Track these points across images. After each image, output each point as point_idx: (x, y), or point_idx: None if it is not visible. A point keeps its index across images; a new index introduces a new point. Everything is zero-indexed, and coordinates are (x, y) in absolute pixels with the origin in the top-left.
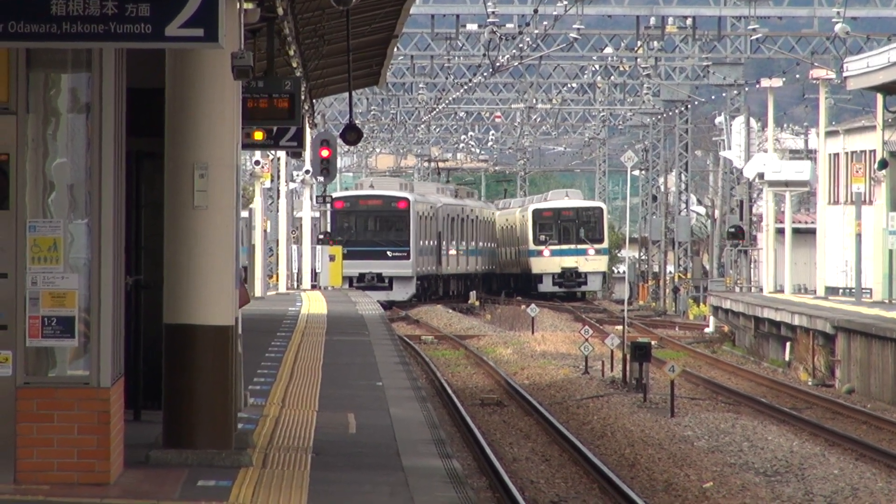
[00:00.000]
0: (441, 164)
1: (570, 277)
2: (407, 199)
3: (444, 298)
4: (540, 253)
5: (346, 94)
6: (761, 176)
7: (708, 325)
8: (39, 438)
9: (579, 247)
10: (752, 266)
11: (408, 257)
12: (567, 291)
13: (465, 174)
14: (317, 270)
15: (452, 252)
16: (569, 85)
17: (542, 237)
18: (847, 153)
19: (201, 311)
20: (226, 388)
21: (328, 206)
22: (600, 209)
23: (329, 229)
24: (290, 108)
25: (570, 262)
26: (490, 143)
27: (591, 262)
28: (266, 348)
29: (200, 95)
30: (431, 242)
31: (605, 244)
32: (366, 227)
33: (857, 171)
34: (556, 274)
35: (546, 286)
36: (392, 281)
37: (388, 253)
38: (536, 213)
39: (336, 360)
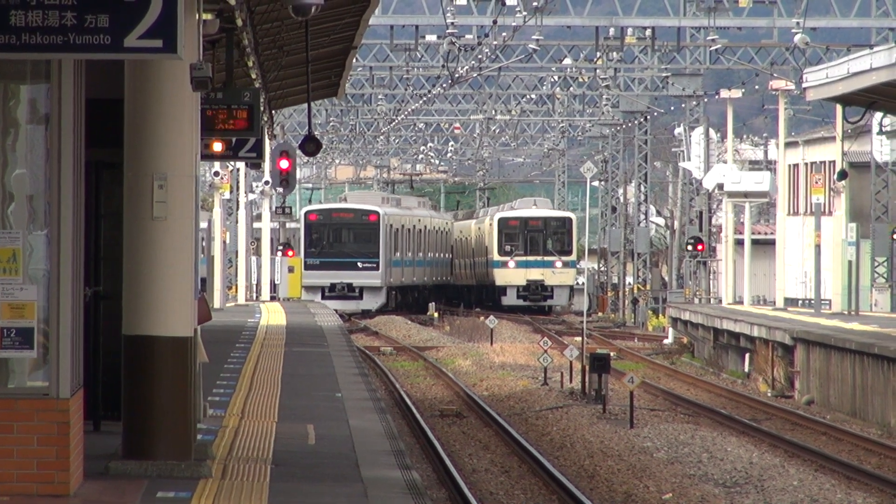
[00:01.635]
0: (401, 175)
1: (536, 291)
2: (377, 213)
3: (398, 309)
4: (504, 264)
5: (305, 106)
6: (721, 187)
7: (667, 337)
8: None
9: (546, 258)
10: (711, 277)
11: (377, 268)
12: (532, 305)
13: (424, 185)
14: (276, 282)
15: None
16: (528, 96)
17: (508, 247)
18: (806, 164)
19: (160, 322)
20: (185, 399)
21: (303, 218)
22: (569, 219)
23: (302, 242)
24: (249, 119)
25: (535, 274)
26: (449, 155)
27: (558, 275)
28: (225, 359)
29: (159, 106)
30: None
31: (574, 256)
32: (338, 239)
33: (816, 182)
34: (521, 287)
35: (510, 299)
36: (362, 291)
37: (359, 264)
38: (502, 221)
39: (295, 372)
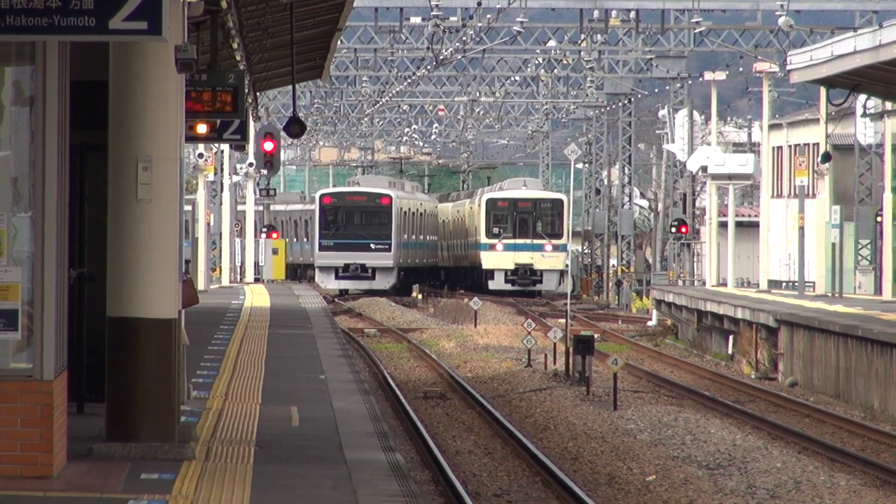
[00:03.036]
0: (386, 157)
1: (525, 275)
2: (390, 196)
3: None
4: (492, 247)
5: (290, 88)
6: (704, 169)
7: (651, 319)
8: None
9: (535, 241)
10: (694, 259)
11: (390, 249)
12: (520, 290)
13: (409, 167)
14: (260, 264)
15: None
16: (512, 78)
17: (496, 230)
18: (790, 146)
19: (144, 304)
20: (169, 381)
21: (317, 201)
22: (560, 201)
23: (317, 224)
24: (233, 101)
25: (524, 258)
26: (433, 137)
27: (547, 258)
28: (209, 341)
29: (144, 88)
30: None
31: (565, 240)
32: (351, 222)
33: (800, 165)
34: (510, 270)
35: (497, 283)
36: (375, 271)
37: (372, 245)
38: (490, 202)
39: (279, 354)
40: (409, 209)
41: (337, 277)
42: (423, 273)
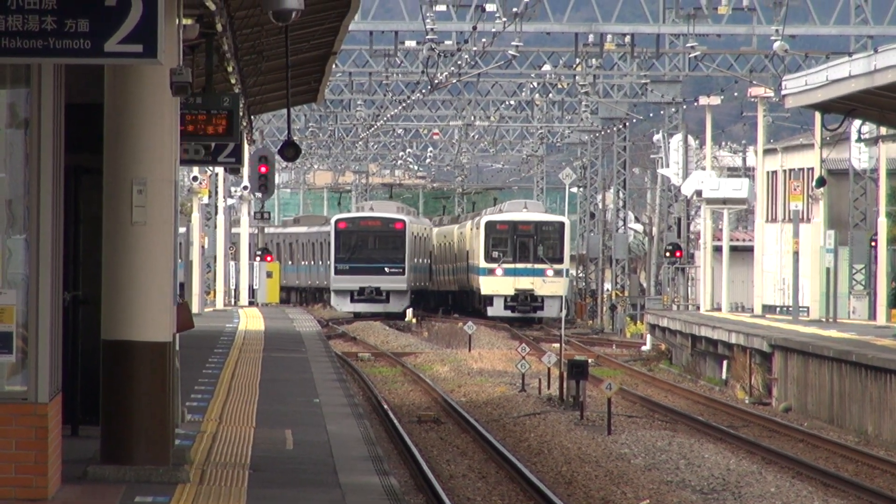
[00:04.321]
0: (379, 181)
1: (525, 301)
2: (403, 221)
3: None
4: (491, 272)
5: (285, 111)
6: (699, 193)
7: (645, 343)
8: None
9: (536, 266)
10: (689, 284)
11: (403, 273)
12: (521, 317)
13: (403, 191)
14: (254, 287)
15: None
16: (507, 102)
17: (496, 254)
18: (785, 171)
19: (139, 327)
20: (163, 403)
21: (332, 225)
22: (562, 224)
23: (333, 248)
24: (228, 124)
25: (525, 283)
26: (428, 160)
27: (549, 284)
28: (204, 364)
29: (139, 111)
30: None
31: (566, 264)
32: (366, 246)
33: (794, 189)
34: (509, 296)
35: (496, 310)
36: (389, 294)
37: (386, 269)
38: (490, 225)
39: (273, 377)
40: (418, 234)
41: (352, 301)
42: (429, 296)
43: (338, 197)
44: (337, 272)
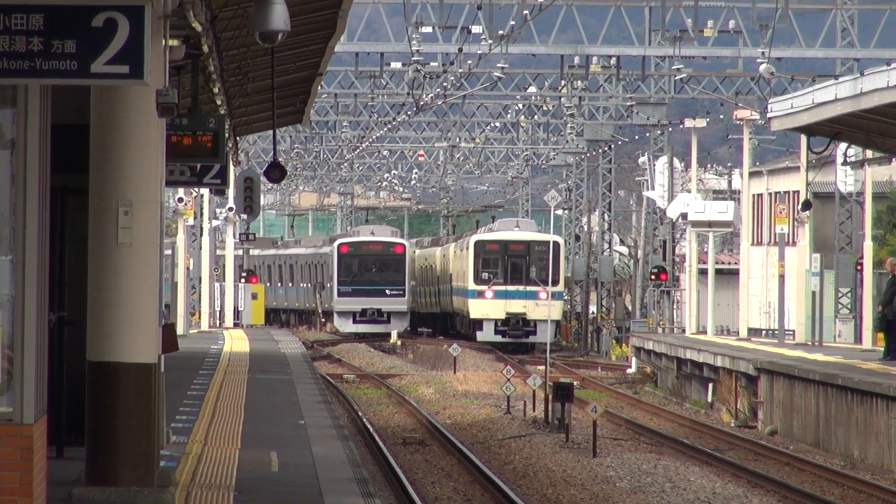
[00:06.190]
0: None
1: (517, 326)
2: (403, 245)
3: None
4: (481, 294)
5: (270, 132)
6: (684, 216)
7: (630, 366)
8: None
9: (529, 288)
10: (674, 306)
11: (404, 294)
12: (512, 342)
13: (388, 213)
14: (239, 308)
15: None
16: (492, 124)
17: (486, 275)
18: (771, 194)
19: (124, 348)
20: (149, 425)
21: (335, 249)
22: (556, 244)
23: (335, 271)
24: (214, 145)
25: (517, 306)
26: (413, 182)
27: (542, 307)
28: (189, 386)
29: (125, 132)
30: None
31: (561, 287)
32: (368, 269)
33: (780, 212)
34: (500, 320)
35: (486, 335)
36: (390, 316)
37: (387, 291)
38: (479, 245)
39: (259, 399)
40: (414, 256)
41: (354, 321)
42: (427, 317)
43: (324, 218)
44: (340, 294)
